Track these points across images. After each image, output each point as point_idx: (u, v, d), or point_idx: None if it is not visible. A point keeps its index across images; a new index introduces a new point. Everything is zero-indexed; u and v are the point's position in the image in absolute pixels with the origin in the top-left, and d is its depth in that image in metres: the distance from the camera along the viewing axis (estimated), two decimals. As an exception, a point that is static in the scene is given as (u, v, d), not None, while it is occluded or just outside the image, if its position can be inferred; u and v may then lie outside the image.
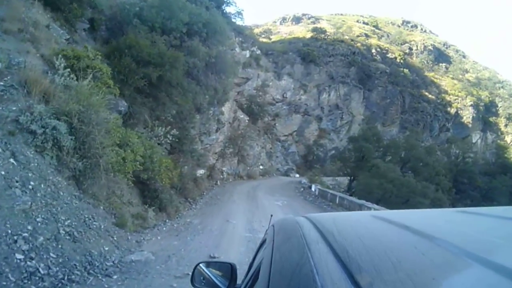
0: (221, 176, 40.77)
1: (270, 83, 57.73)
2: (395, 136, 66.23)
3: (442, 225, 1.55)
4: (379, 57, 76.33)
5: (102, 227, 12.21)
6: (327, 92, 65.73)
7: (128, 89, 21.23)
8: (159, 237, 15.30)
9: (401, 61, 79.35)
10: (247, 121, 50.59)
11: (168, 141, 22.09)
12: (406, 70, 76.52)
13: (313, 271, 1.08)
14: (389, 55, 79.35)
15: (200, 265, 3.54)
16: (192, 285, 3.40)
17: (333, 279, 1.00)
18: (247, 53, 56.06)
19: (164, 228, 17.01)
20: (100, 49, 20.61)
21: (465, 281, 0.88)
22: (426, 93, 76.75)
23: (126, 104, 20.51)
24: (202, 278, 3.45)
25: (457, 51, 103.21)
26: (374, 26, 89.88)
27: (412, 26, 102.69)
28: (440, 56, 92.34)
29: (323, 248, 1.28)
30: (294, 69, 63.15)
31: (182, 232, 16.76)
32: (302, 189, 39.26)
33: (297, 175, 55.59)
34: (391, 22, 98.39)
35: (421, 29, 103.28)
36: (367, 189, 35.99)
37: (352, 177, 46.33)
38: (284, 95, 61.10)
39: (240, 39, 54.87)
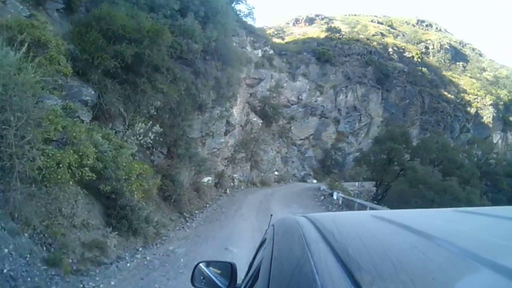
0: (232, 184, 34.84)
1: (284, 84, 52.28)
2: (415, 138, 59.78)
3: (442, 225, 1.54)
4: (396, 56, 70.82)
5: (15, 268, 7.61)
6: (344, 93, 60.10)
7: (95, 72, 15.43)
8: (112, 283, 9.82)
9: (419, 60, 73.71)
10: (260, 124, 45.13)
11: (150, 140, 15.93)
12: (424, 69, 70.97)
13: (313, 271, 1.03)
14: (406, 54, 73.73)
15: (200, 264, 3.44)
16: (192, 284, 3.30)
17: (333, 279, 0.96)
18: (259, 52, 50.94)
19: (129, 264, 11.42)
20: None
21: (465, 281, 0.86)
22: (445, 93, 71.12)
23: (93, 92, 14.93)
24: (202, 277, 3.34)
25: (473, 49, 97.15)
26: (389, 26, 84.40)
27: (427, 25, 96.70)
28: (456, 55, 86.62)
29: (323, 248, 1.24)
30: (309, 69, 57.63)
31: (154, 271, 11.17)
32: (322, 197, 33.00)
33: (315, 181, 49.77)
34: (405, 22, 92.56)
35: (436, 28, 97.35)
36: (401, 197, 29.41)
37: (378, 182, 39.34)
38: (300, 97, 55.46)
39: (252, 38, 49.70)
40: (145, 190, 13.70)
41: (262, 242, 2.58)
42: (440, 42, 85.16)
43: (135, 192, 12.79)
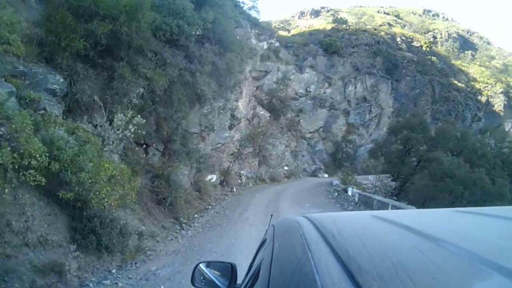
0: (239, 181, 32.00)
1: (292, 77, 48.93)
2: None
3: (442, 225, 1.53)
4: (404, 46, 67.37)
5: None
6: (353, 84, 56.63)
7: (63, 56, 12.64)
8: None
9: (427, 49, 70.03)
10: (268, 117, 42.21)
11: (130, 133, 12.93)
12: (434, 58, 67.85)
13: (313, 271, 1.03)
14: (415, 43, 70.25)
15: (200, 265, 3.40)
16: (192, 284, 3.24)
17: (333, 279, 0.96)
18: (265, 45, 47.74)
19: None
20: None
21: (465, 281, 0.86)
22: (455, 82, 67.59)
23: (62, 79, 12.18)
24: (202, 278, 3.30)
25: (481, 38, 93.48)
26: (395, 16, 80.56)
27: (433, 15, 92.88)
28: (465, 43, 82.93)
29: (323, 248, 1.23)
30: (316, 61, 54.20)
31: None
32: (336, 193, 29.99)
33: (326, 175, 46.98)
34: (412, 12, 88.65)
35: (443, 18, 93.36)
36: (425, 192, 26.16)
37: (395, 175, 36.11)
38: (308, 89, 52.08)
39: (256, 31, 46.41)
40: (121, 196, 10.64)
41: (262, 243, 2.51)
42: (448, 31, 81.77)
43: (106, 199, 9.77)
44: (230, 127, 31.69)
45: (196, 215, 18.43)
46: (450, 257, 0.97)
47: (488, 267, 0.84)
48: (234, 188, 29.21)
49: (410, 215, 2.01)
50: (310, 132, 50.61)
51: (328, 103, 52.98)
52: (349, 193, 28.64)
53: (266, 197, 25.99)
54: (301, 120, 49.44)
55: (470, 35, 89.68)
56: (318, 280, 0.94)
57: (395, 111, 59.19)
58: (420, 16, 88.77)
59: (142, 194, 14.88)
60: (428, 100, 62.06)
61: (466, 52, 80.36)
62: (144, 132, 15.27)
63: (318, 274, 0.98)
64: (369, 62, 58.78)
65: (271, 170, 39.04)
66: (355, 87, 56.67)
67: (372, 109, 57.00)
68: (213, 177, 26.79)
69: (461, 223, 1.56)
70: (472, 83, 70.64)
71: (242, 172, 33.52)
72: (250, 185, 33.10)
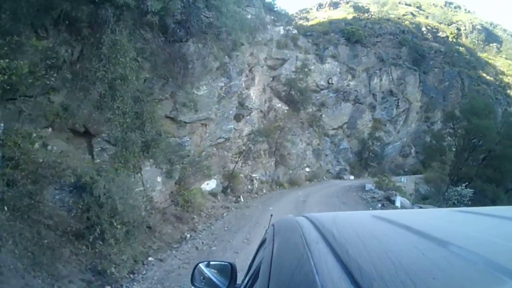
0: (249, 187, 23.32)
1: (312, 67, 39.86)
2: None
3: (442, 225, 1.49)
4: (430, 36, 58.35)
5: None
6: (378, 76, 47.44)
7: None
8: None
9: (454, 40, 61.42)
10: (286, 111, 33.48)
11: None
12: (462, 49, 59.30)
13: (313, 271, 0.99)
14: (440, 34, 61.08)
15: (200, 265, 3.21)
16: (192, 284, 3.07)
17: (333, 279, 0.92)
18: (281, 30, 39.20)
19: None
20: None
21: (465, 281, 0.82)
22: (484, 75, 58.76)
23: None
24: (202, 277, 3.12)
25: (504, 30, 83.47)
26: (417, 7, 70.62)
27: (455, 7, 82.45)
28: (489, 36, 73.54)
29: (323, 248, 1.19)
30: (338, 50, 45.21)
31: None
32: (379, 204, 20.64)
33: (352, 177, 38.34)
34: (433, 4, 78.47)
35: (465, 10, 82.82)
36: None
37: (455, 178, 26.64)
38: (330, 81, 42.92)
39: (272, 17, 37.56)
40: None
41: (262, 242, 2.36)
42: (472, 23, 72.69)
43: None
44: (237, 118, 22.87)
45: (151, 258, 10.06)
46: (450, 257, 0.92)
47: (488, 267, 0.81)
48: (242, 196, 20.66)
49: (410, 215, 1.97)
50: (334, 129, 41.47)
51: (353, 96, 43.81)
52: (397, 204, 19.52)
53: (283, 210, 17.45)
54: (323, 115, 40.41)
55: (494, 27, 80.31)
56: (318, 280, 0.89)
57: (424, 105, 50.43)
58: (442, 8, 78.66)
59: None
60: (458, 93, 52.88)
61: (491, 44, 71.31)
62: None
63: (318, 274, 0.93)
64: (394, 53, 50.01)
65: (290, 172, 30.27)
66: (381, 80, 47.62)
67: (399, 104, 47.73)
68: (210, 183, 18.07)
69: (461, 223, 1.50)
70: (500, 76, 61.97)
71: (254, 175, 24.69)
72: (264, 191, 24.31)
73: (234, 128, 22.37)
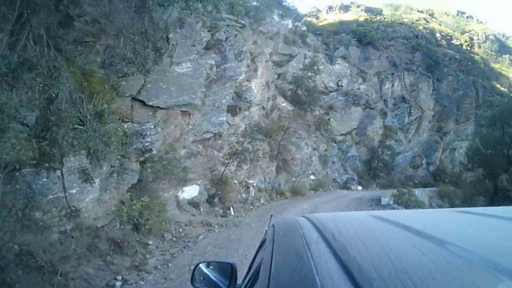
0: (244, 196, 18.43)
1: (321, 67, 34.79)
2: (471, 135, 43.65)
3: (442, 225, 1.44)
4: (444, 43, 53.27)
5: None
6: (390, 81, 42.40)
7: None
8: None
9: (468, 48, 56.33)
10: (291, 111, 28.51)
11: None
12: (477, 56, 54.63)
13: (313, 271, 0.95)
14: (454, 41, 55.90)
15: (200, 265, 3.05)
16: (192, 285, 2.91)
17: (333, 279, 0.89)
18: (289, 23, 35.15)
19: None
20: None
21: (465, 281, 0.80)
22: (498, 85, 53.43)
23: None
24: (202, 278, 2.96)
25: None
26: (429, 15, 65.57)
27: (467, 17, 76.98)
28: (501, 47, 67.51)
29: (323, 248, 1.14)
30: (349, 52, 40.43)
31: None
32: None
33: (360, 187, 33.55)
34: (445, 13, 73.08)
35: (477, 20, 77.53)
36: None
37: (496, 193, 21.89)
38: (339, 83, 38.11)
39: (280, 11, 33.95)
40: None
41: (262, 243, 2.27)
42: (485, 33, 67.01)
43: None
44: (233, 111, 18.09)
45: None
46: (450, 257, 0.89)
47: (488, 267, 0.79)
48: (232, 208, 15.98)
49: (410, 215, 1.92)
50: (342, 134, 36.41)
51: (363, 100, 38.80)
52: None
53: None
54: (331, 119, 35.40)
55: (506, 39, 74.64)
56: (318, 280, 0.87)
57: (436, 114, 45.07)
58: (454, 17, 73.33)
59: None
60: (472, 103, 47.71)
61: (503, 56, 65.44)
62: None
63: (318, 274, 0.90)
64: (407, 58, 45.05)
65: (293, 179, 25.45)
66: (392, 85, 42.57)
67: (412, 111, 42.48)
68: (190, 190, 13.33)
69: (461, 223, 1.46)
70: None
71: (250, 181, 19.88)
72: (262, 201, 19.45)
73: (228, 123, 17.54)
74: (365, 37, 41.79)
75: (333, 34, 41.83)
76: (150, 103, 12.46)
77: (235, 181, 17.90)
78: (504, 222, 1.36)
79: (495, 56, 63.03)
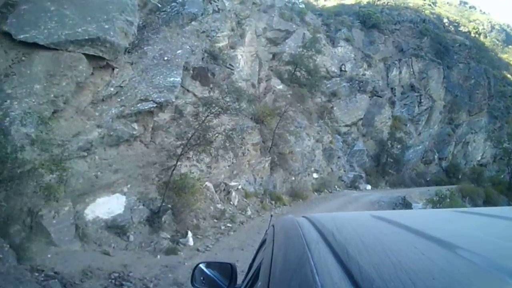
0: (220, 207, 10.92)
1: (322, 49, 28.27)
2: (484, 129, 39.43)
3: (442, 225, 1.38)
4: (452, 29, 47.34)
5: None
6: (397, 68, 35.55)
7: None
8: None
9: (476, 36, 50.45)
10: (289, 96, 21.87)
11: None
12: (488, 42, 49.87)
13: (313, 271, 0.92)
14: (462, 28, 49.70)
15: (200, 265, 2.90)
16: (192, 285, 2.75)
17: (333, 279, 0.86)
18: None
19: None
20: None
21: (465, 281, 0.76)
22: (509, 76, 47.69)
23: None
24: (202, 278, 2.81)
25: None
26: (432, 3, 58.38)
27: (470, 7, 70.76)
28: (507, 37, 61.45)
29: (323, 248, 1.10)
30: (352, 34, 34.05)
31: None
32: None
33: (369, 187, 26.77)
34: (447, 2, 66.30)
35: (480, 10, 71.08)
36: None
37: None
38: (342, 67, 31.48)
39: None
40: None
41: (262, 243, 2.17)
42: (490, 22, 61.27)
43: None
44: (202, 77, 11.30)
45: None
46: (450, 257, 0.86)
47: (488, 267, 0.76)
48: (191, 233, 8.60)
49: (410, 215, 1.87)
50: (346, 125, 29.48)
51: (370, 87, 31.81)
52: None
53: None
54: (334, 108, 28.53)
55: (511, 29, 67.77)
56: (318, 280, 0.83)
57: (447, 105, 38.16)
58: (456, 7, 66.83)
59: None
60: (485, 93, 40.95)
61: (509, 46, 58.94)
62: None
63: (318, 274, 0.87)
64: (414, 43, 38.48)
65: (292, 178, 18.88)
66: (400, 72, 35.73)
67: (422, 100, 35.73)
68: (109, 204, 6.19)
69: (461, 223, 1.41)
70: None
71: (233, 183, 12.90)
72: (250, 212, 13.14)
73: (186, 89, 10.54)
74: (369, 19, 35.56)
75: (334, 15, 35.65)
76: (21, 37, 5.76)
77: (207, 184, 11.24)
78: (504, 222, 1.31)
79: (501, 47, 56.98)
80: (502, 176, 36.01)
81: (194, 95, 11.30)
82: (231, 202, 12.36)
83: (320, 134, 23.44)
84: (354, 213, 2.82)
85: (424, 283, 0.73)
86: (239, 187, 13.59)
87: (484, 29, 56.78)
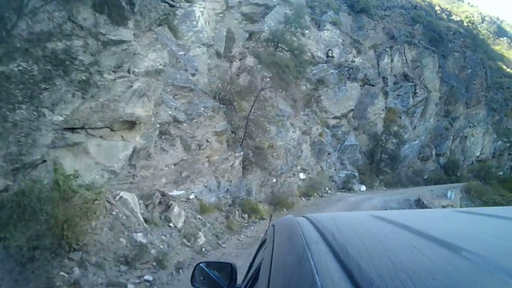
0: (142, 239, 4.94)
1: (306, 31, 24.25)
2: (483, 122, 35.70)
3: (442, 225, 1.34)
4: (445, 16, 43.38)
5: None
6: (388, 55, 30.85)
7: None
8: None
9: (469, 25, 45.66)
10: (268, 79, 16.02)
11: None
12: (484, 31, 46.85)
13: (313, 271, 0.87)
14: (454, 17, 45.49)
15: (200, 265, 2.72)
16: (192, 285, 2.57)
17: (333, 279, 0.82)
18: None
19: None
20: None
21: (465, 281, 0.73)
22: (504, 67, 44.40)
23: None
24: (202, 278, 2.62)
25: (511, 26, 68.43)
26: (421, -6, 54.63)
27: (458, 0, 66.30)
28: (499, 29, 58.52)
29: (323, 248, 1.04)
30: (339, 17, 29.20)
31: None
32: None
33: (363, 188, 22.23)
34: (435, -5, 62.33)
35: (468, 3, 66.54)
36: None
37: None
38: (329, 53, 26.69)
39: None
40: None
41: (262, 243, 2.04)
42: (480, 14, 57.82)
43: None
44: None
45: None
46: (451, 257, 0.82)
47: (488, 267, 0.73)
48: None
49: (410, 215, 1.73)
50: (336, 117, 24.76)
51: (361, 74, 27.22)
52: None
53: None
54: (322, 97, 23.68)
55: (501, 22, 64.54)
56: (318, 280, 0.79)
57: (443, 96, 33.69)
58: (445, -1, 62.68)
59: None
60: (483, 84, 36.77)
61: (501, 38, 55.19)
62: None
63: (318, 274, 0.82)
64: (406, 30, 33.90)
65: (274, 180, 13.48)
66: (392, 60, 31.08)
67: (417, 91, 31.08)
68: None
69: (461, 223, 1.37)
70: None
71: (177, 192, 7.54)
72: (202, 240, 7.33)
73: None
74: (357, 2, 30.85)
75: (319, -3, 30.48)
76: None
77: (122, 195, 6.15)
78: (504, 222, 1.27)
79: (493, 38, 53.42)
80: (501, 172, 32.12)
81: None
82: (171, 224, 7.34)
83: (307, 124, 18.54)
84: (354, 213, 2.72)
85: (424, 283, 0.69)
86: (191, 197, 8.61)
87: (475, 20, 52.62)
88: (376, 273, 0.75)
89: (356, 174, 22.97)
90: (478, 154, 34.40)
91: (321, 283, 0.76)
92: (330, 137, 22.61)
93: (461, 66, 35.89)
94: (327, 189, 18.61)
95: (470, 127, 33.84)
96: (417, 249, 0.89)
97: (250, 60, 17.39)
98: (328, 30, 27.19)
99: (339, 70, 25.91)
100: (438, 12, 42.35)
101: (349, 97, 25.47)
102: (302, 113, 18.82)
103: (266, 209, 11.62)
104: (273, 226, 1.77)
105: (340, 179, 21.38)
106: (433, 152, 30.61)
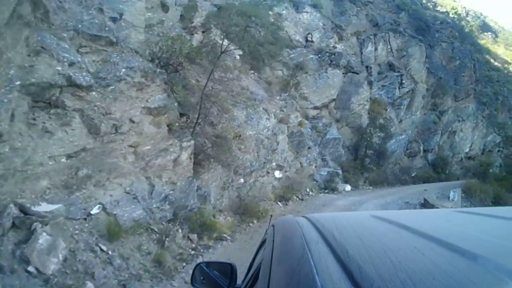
0: None
1: (283, 12, 21.30)
2: (472, 116, 32.37)
3: (442, 225, 1.32)
4: (431, 6, 40.65)
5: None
6: (372, 43, 27.45)
7: None
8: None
9: (455, 17, 43.24)
10: (238, 57, 13.21)
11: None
12: (472, 22, 44.16)
13: (313, 271, 0.88)
14: (439, 8, 42.42)
15: (201, 265, 2.68)
16: (192, 285, 2.53)
17: (333, 279, 0.83)
18: None
19: None
20: None
21: (465, 281, 0.73)
22: (492, 60, 42.16)
23: None
24: (202, 278, 2.59)
25: (495, 22, 67.37)
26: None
27: (439, -5, 64.66)
28: (484, 24, 56.73)
29: (323, 248, 1.06)
30: (320, 0, 25.63)
31: None
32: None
33: (348, 187, 18.79)
34: (417, -10, 60.26)
35: (451, -2, 65.29)
36: None
37: None
38: (309, 37, 23.38)
39: None
40: None
41: (262, 243, 2.03)
42: (464, 8, 55.02)
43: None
44: None
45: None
46: (450, 257, 0.82)
47: (488, 267, 0.73)
48: None
49: (410, 215, 1.73)
50: (316, 108, 21.42)
51: (344, 61, 23.86)
52: None
53: None
54: (301, 85, 20.32)
55: (484, 17, 62.67)
56: (318, 281, 0.80)
57: (431, 88, 30.58)
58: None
59: None
60: (472, 77, 33.71)
61: (485, 33, 53.18)
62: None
63: (318, 274, 0.83)
64: (391, 18, 30.76)
65: (241, 180, 9.56)
66: (376, 48, 27.67)
67: (403, 81, 27.75)
68: None
69: (461, 223, 1.35)
70: (506, 65, 45.24)
71: (48, 207, 3.45)
72: (113, 284, 3.34)
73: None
74: (339, -14, 27.31)
75: (297, -21, 27.04)
76: None
77: None
78: (504, 222, 1.26)
79: (478, 33, 50.55)
80: (491, 170, 29.49)
81: None
82: (30, 268, 3.69)
83: (284, 111, 15.05)
84: (354, 213, 2.63)
85: (424, 283, 0.70)
86: (94, 211, 4.95)
87: (460, 13, 50.60)
88: (376, 273, 0.74)
89: (340, 172, 19.61)
90: (467, 150, 31.60)
91: (321, 283, 0.76)
92: (309, 130, 19.21)
93: (449, 57, 32.74)
94: (308, 190, 15.21)
95: (459, 121, 30.80)
96: (417, 249, 0.88)
97: (216, 34, 13.83)
98: (307, 12, 23.70)
99: (319, 55, 22.49)
100: (424, 1, 39.45)
101: (331, 85, 22.05)
102: (278, 97, 15.42)
103: (228, 222, 8.11)
104: (273, 226, 1.73)
105: (322, 177, 17.97)
106: (421, 148, 27.49)
